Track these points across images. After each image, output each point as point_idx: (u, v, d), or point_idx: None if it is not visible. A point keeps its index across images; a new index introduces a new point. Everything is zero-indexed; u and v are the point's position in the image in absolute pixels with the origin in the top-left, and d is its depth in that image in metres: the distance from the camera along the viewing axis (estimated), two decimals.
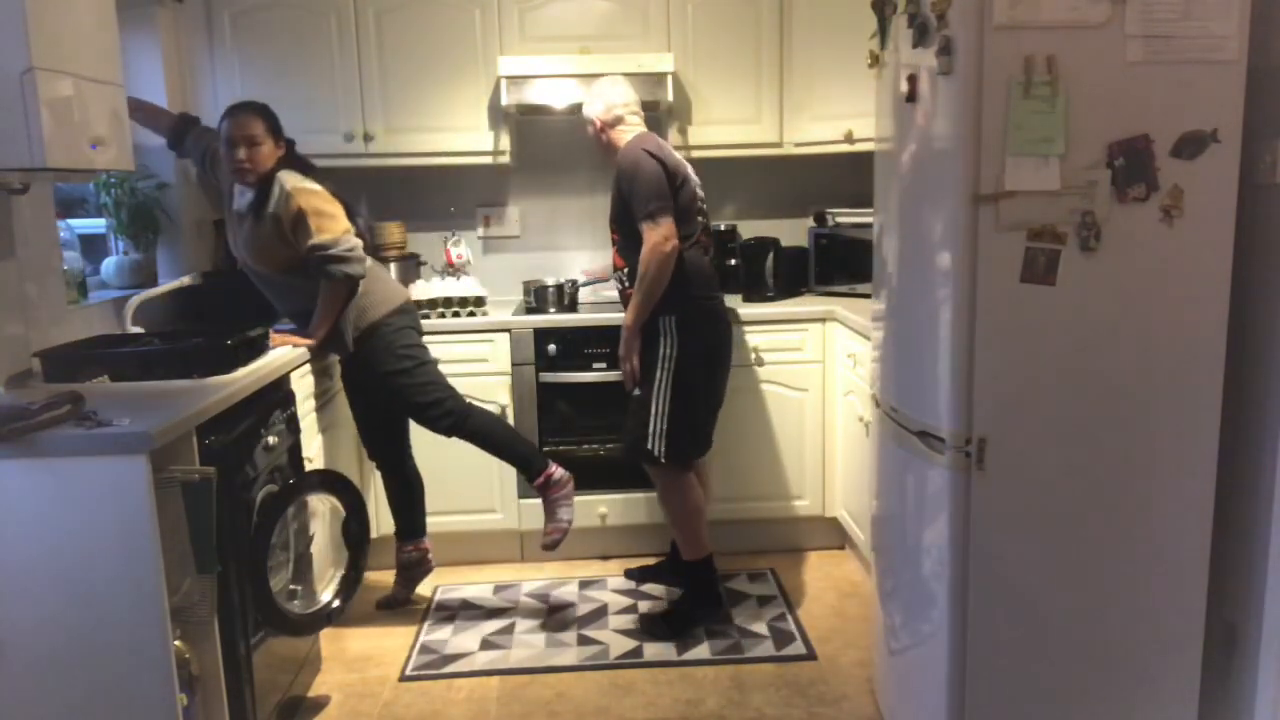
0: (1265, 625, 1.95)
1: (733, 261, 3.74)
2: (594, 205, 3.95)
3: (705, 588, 3.07)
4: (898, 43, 2.17)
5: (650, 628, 3.03)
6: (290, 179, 2.76)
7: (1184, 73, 1.83)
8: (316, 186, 2.80)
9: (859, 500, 3.20)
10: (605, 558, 3.62)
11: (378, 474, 3.24)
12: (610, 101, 3.02)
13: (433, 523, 3.31)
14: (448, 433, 3.04)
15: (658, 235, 2.80)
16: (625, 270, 2.97)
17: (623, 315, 2.98)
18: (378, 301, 2.95)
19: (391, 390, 2.99)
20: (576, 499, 3.13)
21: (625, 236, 2.94)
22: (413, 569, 3.27)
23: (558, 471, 3.09)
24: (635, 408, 2.98)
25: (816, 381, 3.49)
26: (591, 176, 3.93)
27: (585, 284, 3.76)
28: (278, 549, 2.36)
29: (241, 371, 2.38)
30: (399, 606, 3.25)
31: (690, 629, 3.01)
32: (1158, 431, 1.94)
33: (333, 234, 2.74)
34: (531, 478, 3.10)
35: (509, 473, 3.44)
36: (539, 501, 3.13)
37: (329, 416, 3.11)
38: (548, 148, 3.93)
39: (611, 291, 4.19)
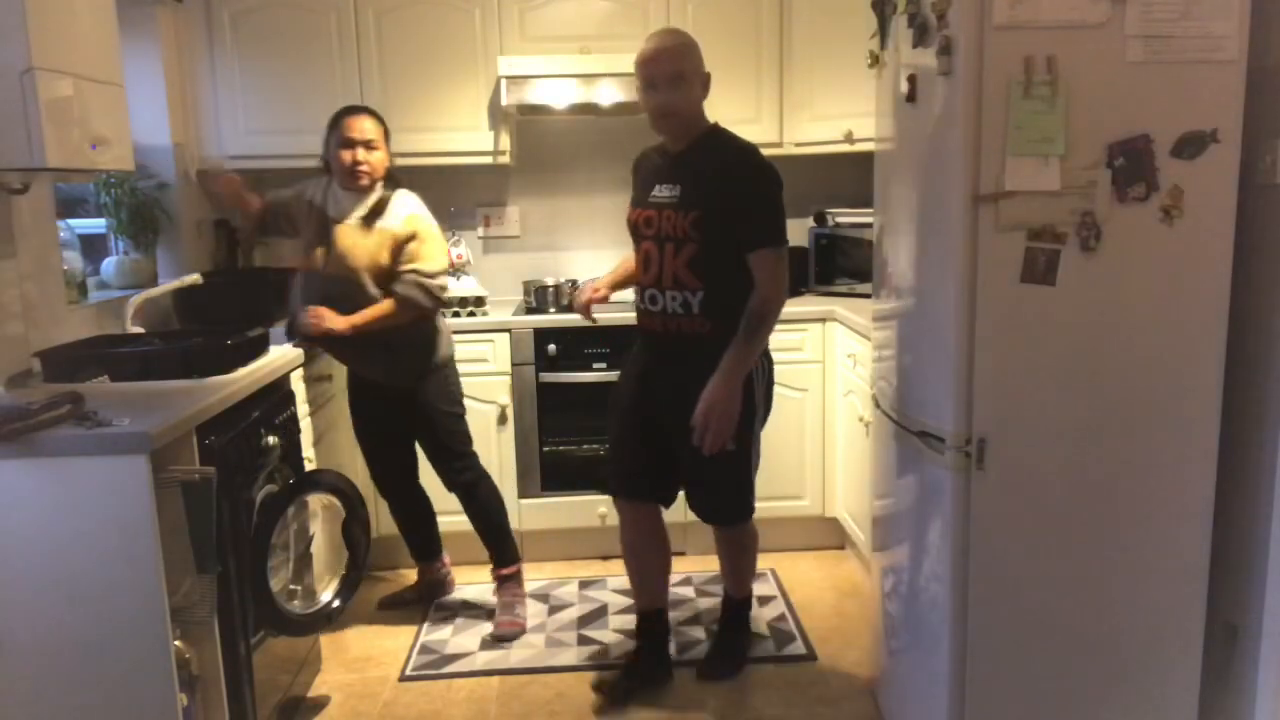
0: (1265, 625, 1.95)
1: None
2: (594, 205, 3.95)
3: (745, 620, 2.89)
4: (898, 43, 2.17)
5: (711, 670, 2.76)
6: (415, 203, 2.84)
7: (1184, 73, 1.83)
8: (433, 220, 2.88)
9: (859, 500, 3.20)
10: (605, 558, 3.62)
11: (384, 509, 3.26)
12: (702, 65, 2.45)
13: None
14: (460, 488, 3.04)
15: (783, 270, 2.38)
16: (700, 293, 2.39)
17: (630, 319, 2.60)
18: (446, 342, 3.00)
19: (439, 429, 2.98)
20: (577, 499, 3.15)
21: (709, 247, 2.36)
22: (436, 588, 3.29)
23: (522, 572, 3.14)
24: (719, 468, 2.47)
25: (816, 381, 3.49)
26: (591, 176, 3.93)
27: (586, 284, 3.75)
28: (278, 549, 2.36)
29: (241, 371, 2.38)
30: (402, 606, 3.25)
31: (744, 663, 2.81)
32: (1158, 431, 1.94)
33: (434, 266, 2.82)
34: (502, 563, 3.10)
35: (508, 473, 3.44)
36: (539, 502, 3.14)
37: (329, 417, 3.11)
38: (548, 148, 3.93)
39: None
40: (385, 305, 2.78)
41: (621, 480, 2.64)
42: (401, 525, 3.23)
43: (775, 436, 3.52)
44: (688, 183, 2.39)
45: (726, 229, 2.33)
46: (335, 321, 2.77)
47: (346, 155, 2.74)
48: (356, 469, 3.24)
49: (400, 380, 2.92)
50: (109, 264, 3.29)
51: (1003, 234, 1.88)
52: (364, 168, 2.75)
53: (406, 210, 2.81)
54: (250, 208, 3.00)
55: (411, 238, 2.78)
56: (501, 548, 3.10)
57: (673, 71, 2.33)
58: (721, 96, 3.86)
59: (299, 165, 3.65)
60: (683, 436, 2.39)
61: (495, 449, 3.44)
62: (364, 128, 2.76)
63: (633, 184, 2.59)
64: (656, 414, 2.51)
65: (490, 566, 3.15)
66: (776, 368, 2.61)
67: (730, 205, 2.33)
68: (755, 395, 2.45)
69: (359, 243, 2.78)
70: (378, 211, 2.79)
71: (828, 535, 3.66)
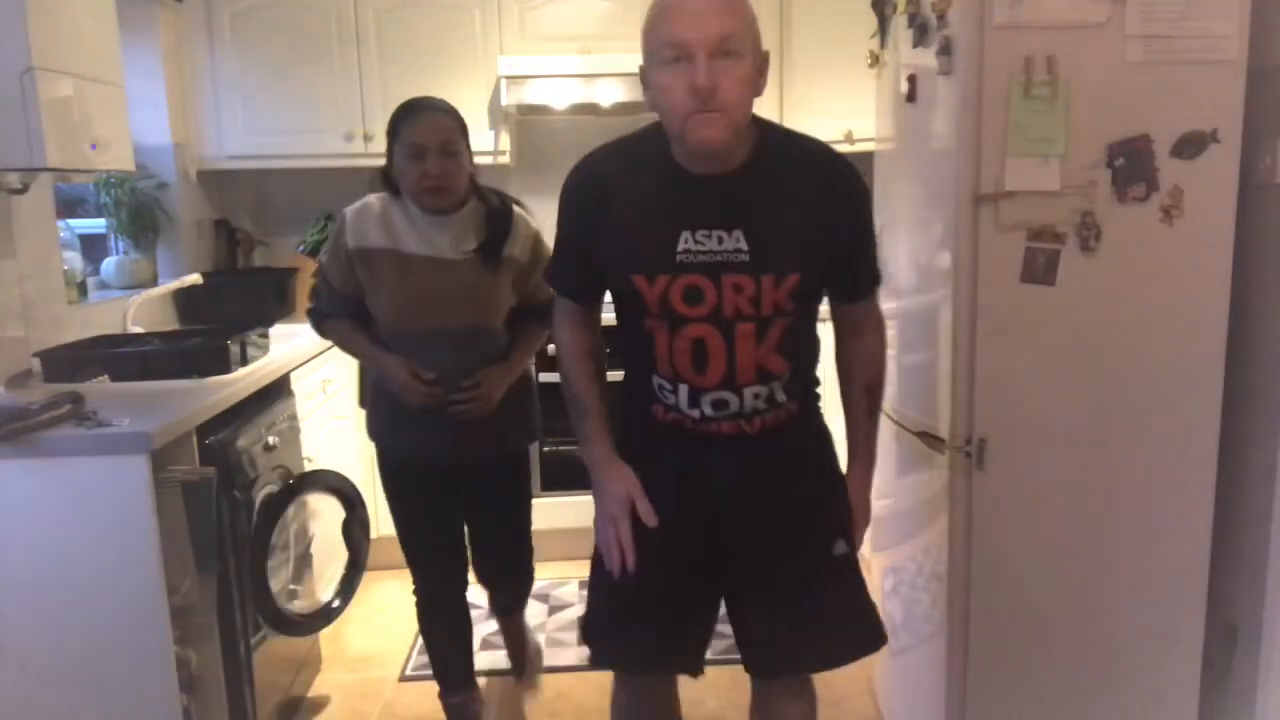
0: (1265, 625, 1.95)
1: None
2: None
3: None
4: (898, 43, 2.17)
5: None
6: (533, 221, 2.24)
7: (1184, 73, 1.83)
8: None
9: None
10: None
11: (384, 509, 2.38)
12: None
13: None
14: (518, 599, 2.66)
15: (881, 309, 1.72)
16: (787, 373, 1.60)
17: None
18: None
19: (528, 510, 2.50)
20: (577, 499, 3.12)
21: (806, 315, 1.61)
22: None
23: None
24: (838, 576, 1.69)
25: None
26: None
27: None
28: (278, 549, 2.36)
29: (241, 371, 2.38)
30: None
31: None
32: (1158, 431, 1.94)
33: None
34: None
35: None
36: (539, 502, 3.11)
37: (329, 416, 3.11)
38: (548, 148, 3.93)
39: None
40: (533, 336, 2.25)
41: (652, 653, 1.71)
42: (446, 647, 2.45)
43: None
44: (763, 223, 1.48)
45: (826, 277, 1.58)
46: (501, 378, 2.19)
47: (416, 170, 2.04)
48: (357, 469, 3.25)
49: (517, 442, 2.36)
50: (109, 264, 3.30)
51: (1003, 234, 1.88)
52: (443, 182, 2.06)
53: (526, 231, 2.20)
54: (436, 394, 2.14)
55: (537, 267, 2.16)
56: (519, 664, 2.78)
57: (723, 34, 1.38)
58: None
59: (300, 165, 3.66)
60: (772, 560, 1.64)
61: None
62: (436, 129, 2.05)
63: (601, 225, 1.56)
64: (726, 542, 1.66)
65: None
66: None
67: (842, 250, 1.55)
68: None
69: (482, 283, 2.13)
70: (500, 237, 2.15)
71: None
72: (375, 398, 2.28)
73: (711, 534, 1.65)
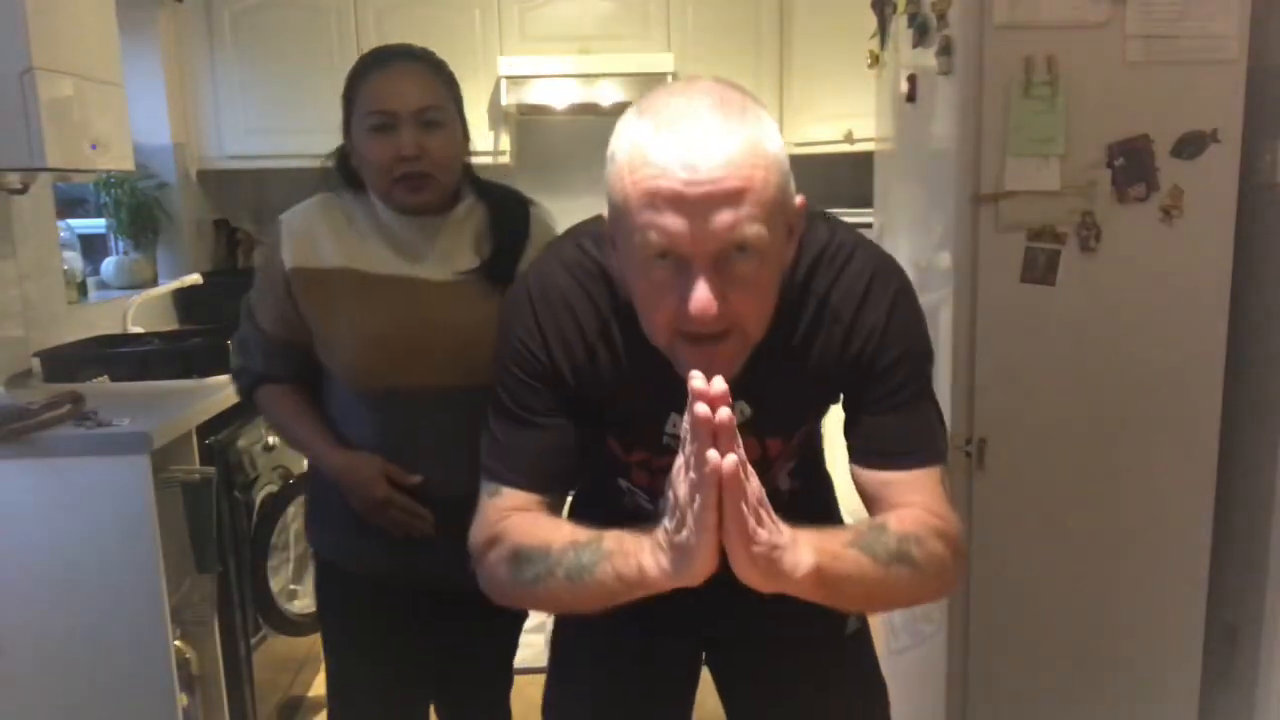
0: (1265, 625, 1.95)
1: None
2: (594, 206, 3.92)
3: None
4: (898, 43, 2.17)
5: None
6: (551, 220, 1.60)
7: (1184, 73, 1.83)
8: None
9: (859, 500, 3.19)
10: None
11: None
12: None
13: None
14: None
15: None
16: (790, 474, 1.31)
17: None
18: None
19: (512, 650, 1.85)
20: None
21: (804, 439, 1.29)
22: None
23: None
24: (854, 662, 1.40)
25: None
26: (591, 177, 3.91)
27: None
28: (278, 549, 2.36)
29: None
30: None
31: None
32: (1158, 431, 1.94)
33: None
34: None
35: None
36: None
37: None
38: (548, 148, 3.93)
39: None
40: None
41: None
42: None
43: None
44: (776, 393, 1.15)
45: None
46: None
47: (385, 150, 1.43)
48: None
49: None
50: (109, 264, 3.30)
51: (1003, 234, 1.88)
52: (424, 165, 1.44)
53: (551, 237, 1.45)
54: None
55: None
56: None
57: (732, 226, 0.91)
58: None
59: (300, 165, 3.64)
60: (773, 648, 1.33)
61: None
62: (412, 88, 1.44)
63: (590, 396, 1.15)
64: (715, 631, 1.39)
65: None
66: None
67: (872, 410, 1.13)
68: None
69: (489, 315, 1.23)
70: (512, 247, 1.51)
71: None
72: (317, 482, 1.63)
73: (694, 629, 1.36)
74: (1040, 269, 1.89)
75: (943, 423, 1.15)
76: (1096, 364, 1.92)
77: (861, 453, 1.13)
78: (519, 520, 1.07)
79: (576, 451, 1.13)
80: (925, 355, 1.13)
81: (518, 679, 2.15)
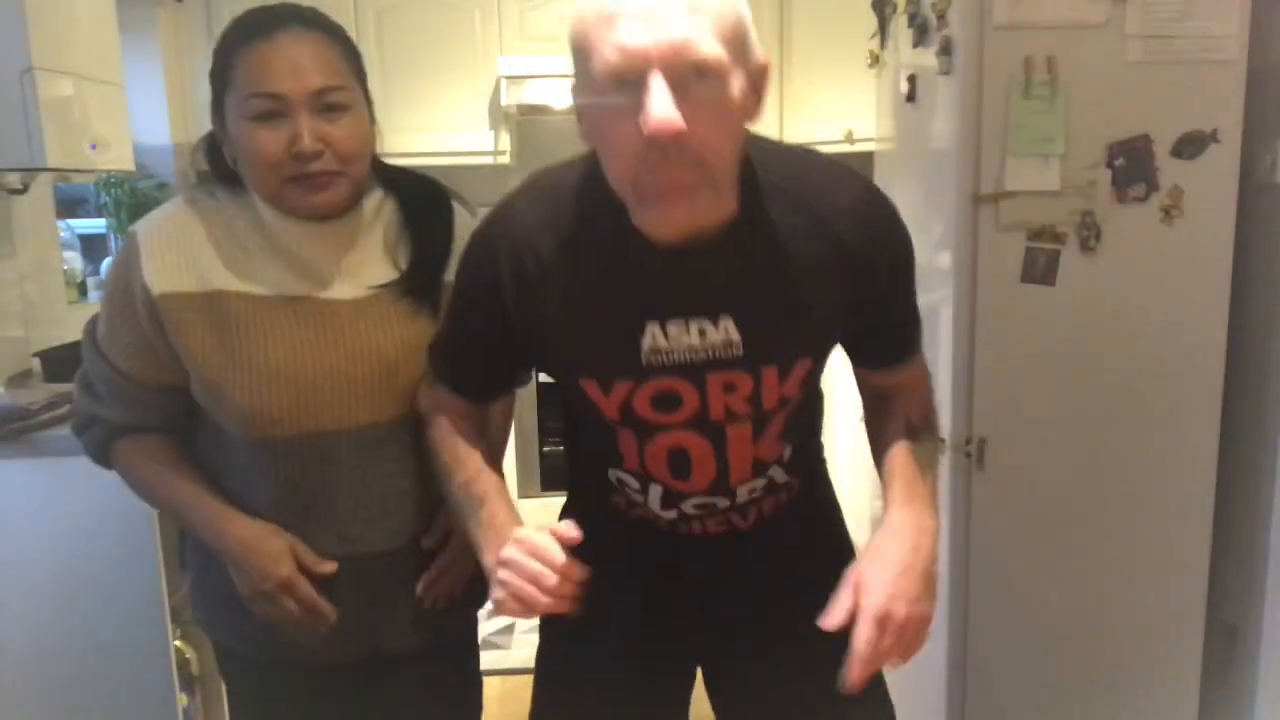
0: (1265, 625, 1.95)
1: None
2: None
3: None
4: (898, 43, 2.17)
5: None
6: (471, 215, 1.36)
7: (1184, 73, 1.83)
8: None
9: (859, 500, 3.20)
10: None
11: None
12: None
13: None
14: None
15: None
16: (788, 449, 1.23)
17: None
18: None
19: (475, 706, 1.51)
20: None
21: (802, 399, 1.18)
22: None
23: None
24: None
25: None
26: None
27: None
28: None
29: None
30: None
31: None
32: (1158, 431, 1.94)
33: None
34: None
35: (508, 474, 3.44)
36: (539, 502, 3.13)
37: None
38: (548, 148, 3.92)
39: None
40: (498, 431, 1.36)
41: None
42: None
43: None
44: (760, 305, 1.07)
45: (848, 345, 1.21)
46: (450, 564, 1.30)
47: (271, 143, 1.14)
48: None
49: (467, 604, 1.39)
50: (109, 264, 3.30)
51: (1003, 234, 1.88)
52: (325, 161, 1.16)
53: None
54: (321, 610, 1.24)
55: None
56: None
57: (686, 41, 0.91)
58: None
59: None
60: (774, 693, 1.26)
61: None
62: (304, 61, 1.15)
63: (526, 315, 1.10)
64: (711, 667, 1.34)
65: None
66: None
67: (872, 320, 1.15)
68: None
69: (407, 339, 1.23)
70: (434, 253, 1.28)
71: None
72: (200, 555, 1.31)
73: (690, 655, 1.32)
74: (1040, 269, 1.89)
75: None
76: (1096, 364, 1.92)
77: (868, 360, 1.22)
78: (444, 425, 1.18)
79: (511, 370, 1.23)
80: (904, 243, 1.13)
81: (518, 679, 2.05)
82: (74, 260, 2.86)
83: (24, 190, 2.36)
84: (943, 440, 1.97)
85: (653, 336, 1.07)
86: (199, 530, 1.24)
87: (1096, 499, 1.96)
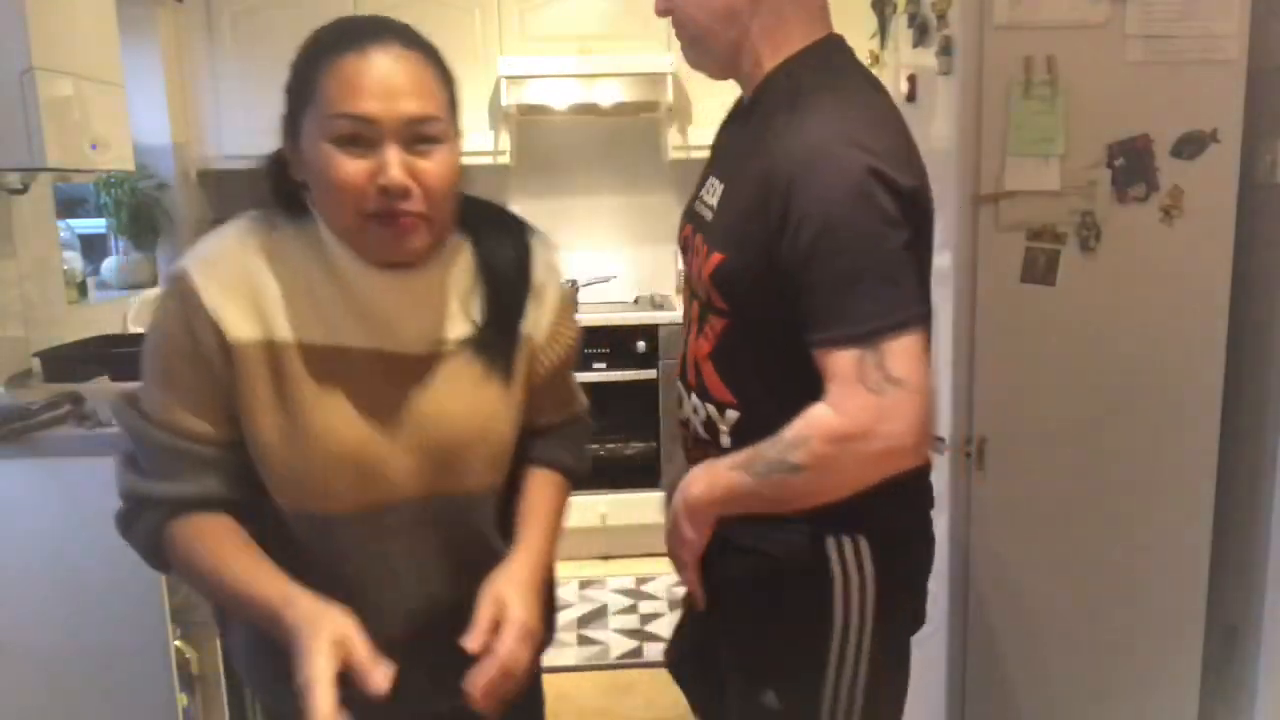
0: (1265, 625, 1.95)
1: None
2: (595, 206, 3.95)
3: None
4: (898, 43, 2.17)
5: None
6: (552, 250, 1.22)
7: (1184, 73, 1.83)
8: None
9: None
10: (605, 558, 3.62)
11: None
12: None
13: None
14: None
15: (888, 404, 1.04)
16: (729, 411, 1.20)
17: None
18: None
19: None
20: (577, 499, 3.10)
21: (743, 325, 1.18)
22: None
23: None
24: None
25: None
26: (591, 177, 3.92)
27: (586, 284, 3.75)
28: None
29: None
30: None
31: None
32: (1158, 431, 1.94)
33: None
34: None
35: None
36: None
37: None
38: (548, 148, 3.93)
39: (612, 289, 4.13)
40: (560, 496, 1.24)
41: None
42: None
43: None
44: (733, 183, 1.20)
45: (777, 294, 1.12)
46: (529, 605, 1.09)
47: (355, 171, 1.00)
48: None
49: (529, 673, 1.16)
50: (109, 264, 3.30)
51: (1003, 234, 1.88)
52: (413, 201, 1.01)
53: (555, 281, 1.21)
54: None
55: (576, 346, 1.24)
56: None
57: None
58: (722, 96, 3.85)
59: None
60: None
61: None
62: (400, 88, 1.01)
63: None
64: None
65: None
66: None
67: (777, 250, 1.10)
68: (835, 617, 1.18)
69: (484, 398, 1.13)
70: (512, 299, 1.16)
71: None
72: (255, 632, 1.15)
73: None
74: (1040, 269, 1.89)
75: (878, 300, 1.05)
76: (1096, 364, 1.92)
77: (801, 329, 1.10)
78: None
79: None
80: (821, 205, 1.05)
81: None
82: (74, 260, 2.86)
83: (24, 190, 2.36)
84: (942, 439, 1.97)
85: (705, 184, 1.27)
86: (266, 612, 1.03)
87: (1096, 499, 1.96)
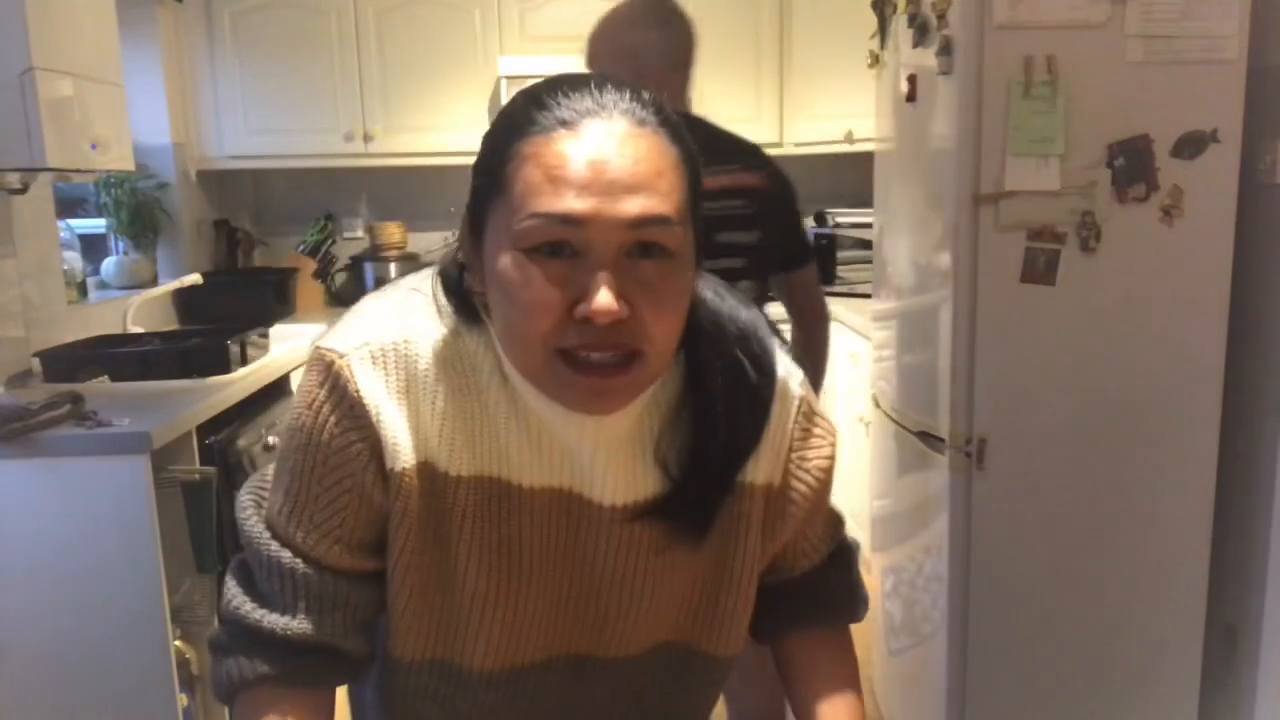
0: (1265, 625, 1.95)
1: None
2: None
3: None
4: (898, 43, 2.17)
5: None
6: (795, 376, 0.91)
7: (1184, 73, 1.83)
8: None
9: (859, 500, 3.20)
10: None
11: None
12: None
13: None
14: None
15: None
16: None
17: None
18: None
19: None
20: None
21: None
22: None
23: None
24: None
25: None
26: None
27: None
28: None
29: (241, 371, 2.38)
30: None
31: None
32: (1158, 431, 1.94)
33: None
34: None
35: None
36: None
37: None
38: None
39: None
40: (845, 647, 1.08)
41: None
42: None
43: None
44: None
45: None
46: None
47: (547, 290, 0.73)
48: None
49: None
50: (109, 264, 3.30)
51: (1003, 234, 1.88)
52: (627, 333, 0.74)
53: (788, 414, 0.90)
54: None
55: (825, 490, 0.95)
56: None
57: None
58: (721, 96, 3.87)
59: (300, 165, 3.66)
60: None
61: None
62: (619, 170, 0.72)
63: None
64: None
65: None
66: None
67: None
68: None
69: (647, 568, 0.88)
70: (737, 446, 0.86)
71: None
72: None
73: None
74: (1040, 269, 1.89)
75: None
76: (1096, 364, 1.92)
77: None
78: None
79: None
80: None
81: None
82: (74, 260, 2.86)
83: (24, 190, 2.36)
84: (942, 439, 1.97)
85: None
86: None
87: (1096, 499, 1.96)
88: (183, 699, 1.96)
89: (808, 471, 0.91)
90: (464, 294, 0.83)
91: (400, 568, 0.84)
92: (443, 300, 0.84)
